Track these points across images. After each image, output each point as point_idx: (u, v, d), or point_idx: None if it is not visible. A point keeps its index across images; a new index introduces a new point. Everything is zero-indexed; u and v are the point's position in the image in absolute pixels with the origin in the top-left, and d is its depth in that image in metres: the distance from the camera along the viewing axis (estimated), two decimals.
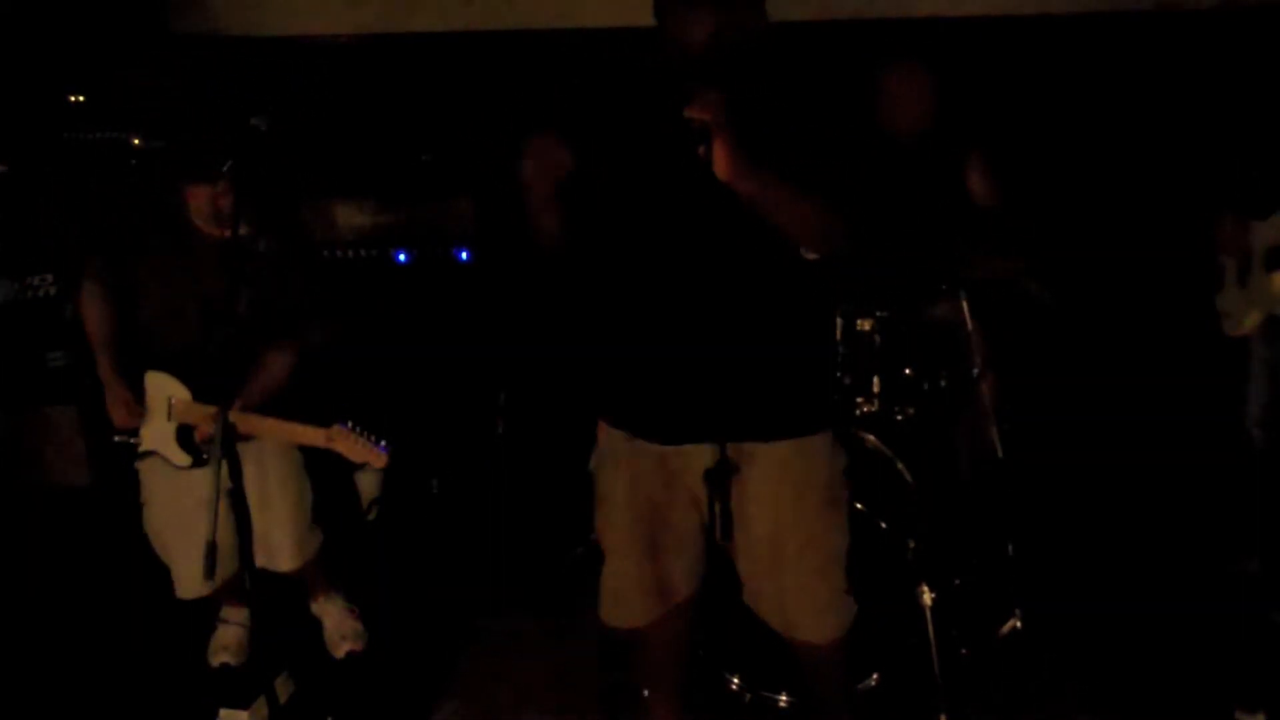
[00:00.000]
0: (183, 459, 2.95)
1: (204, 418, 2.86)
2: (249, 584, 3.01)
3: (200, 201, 2.88)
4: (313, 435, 2.82)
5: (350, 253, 4.16)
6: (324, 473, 3.22)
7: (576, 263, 2.30)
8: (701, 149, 1.98)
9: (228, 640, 3.23)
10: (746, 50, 2.07)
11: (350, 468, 3.95)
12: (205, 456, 2.86)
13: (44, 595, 3.62)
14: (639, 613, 2.45)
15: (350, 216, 4.15)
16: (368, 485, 4.03)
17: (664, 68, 2.10)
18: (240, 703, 2.84)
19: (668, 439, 2.28)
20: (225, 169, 2.82)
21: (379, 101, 4.41)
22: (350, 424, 2.81)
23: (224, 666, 3.19)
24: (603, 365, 2.37)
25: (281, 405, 2.91)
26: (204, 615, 3.29)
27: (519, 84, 4.24)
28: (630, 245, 2.23)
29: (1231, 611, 3.17)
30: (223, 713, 2.85)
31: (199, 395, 2.92)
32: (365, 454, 2.80)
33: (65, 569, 3.75)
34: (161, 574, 3.19)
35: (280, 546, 3.08)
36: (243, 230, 2.83)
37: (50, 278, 4.05)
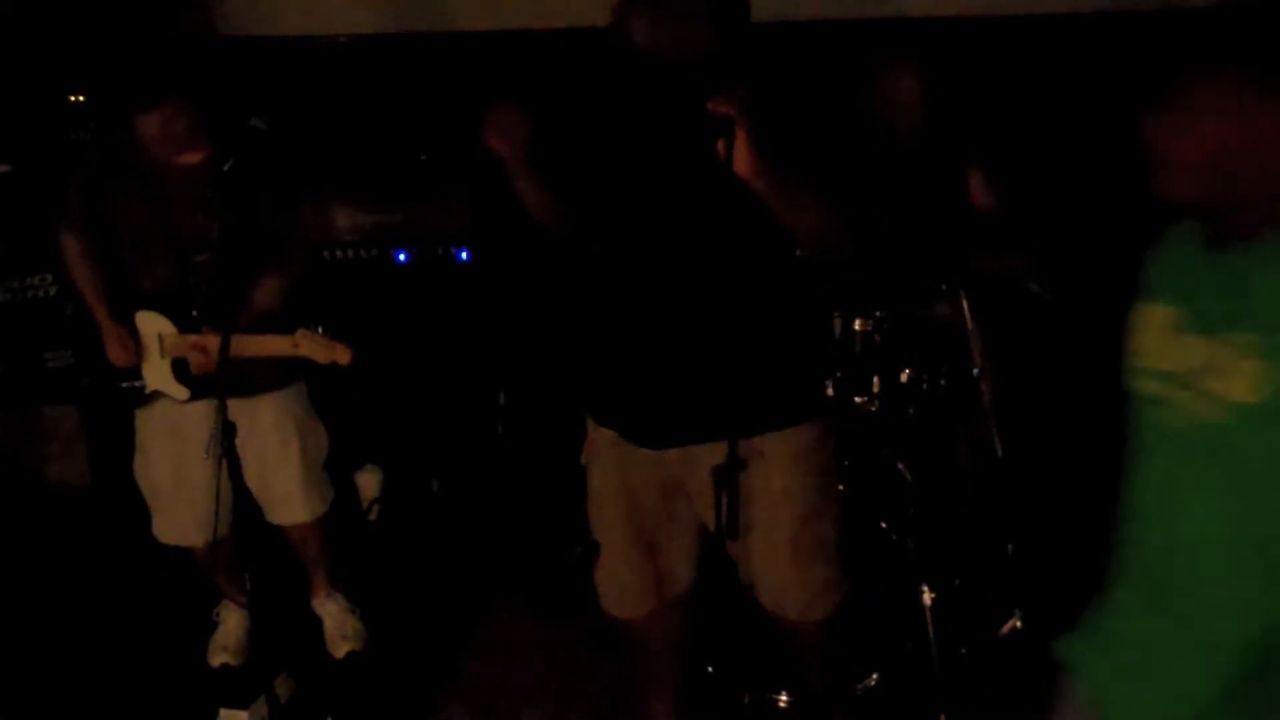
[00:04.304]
0: (182, 393, 2.96)
1: (192, 347, 2.88)
2: (249, 584, 3.03)
3: (152, 129, 2.80)
4: (279, 344, 2.82)
5: (350, 253, 4.16)
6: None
7: (576, 253, 2.31)
8: (722, 143, 1.97)
9: (228, 640, 3.23)
10: (736, 55, 2.07)
11: (351, 468, 3.95)
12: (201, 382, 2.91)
13: (44, 595, 3.62)
14: (634, 604, 2.47)
15: (350, 216, 4.15)
16: (368, 485, 4.04)
17: (670, 67, 2.10)
18: (240, 703, 2.84)
19: (656, 444, 2.29)
20: (185, 112, 2.79)
21: (378, 101, 4.41)
22: (316, 326, 2.82)
23: (224, 666, 3.19)
24: (591, 366, 2.37)
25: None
26: (203, 615, 3.30)
27: (518, 84, 4.23)
28: (622, 244, 2.23)
29: None
30: (223, 713, 2.85)
31: (184, 327, 2.92)
32: (330, 353, 2.80)
33: (65, 569, 3.76)
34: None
35: (284, 500, 3.12)
36: (204, 154, 2.84)
37: (50, 278, 4.05)
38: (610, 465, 2.39)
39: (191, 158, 2.84)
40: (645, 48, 2.06)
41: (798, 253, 2.22)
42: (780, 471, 2.30)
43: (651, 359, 2.24)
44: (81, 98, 4.07)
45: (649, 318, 2.23)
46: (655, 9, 2.04)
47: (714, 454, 2.17)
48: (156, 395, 2.99)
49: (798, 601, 2.41)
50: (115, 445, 3.22)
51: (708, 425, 2.20)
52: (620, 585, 2.47)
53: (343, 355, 2.79)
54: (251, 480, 3.08)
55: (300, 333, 2.79)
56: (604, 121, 2.22)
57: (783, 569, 2.37)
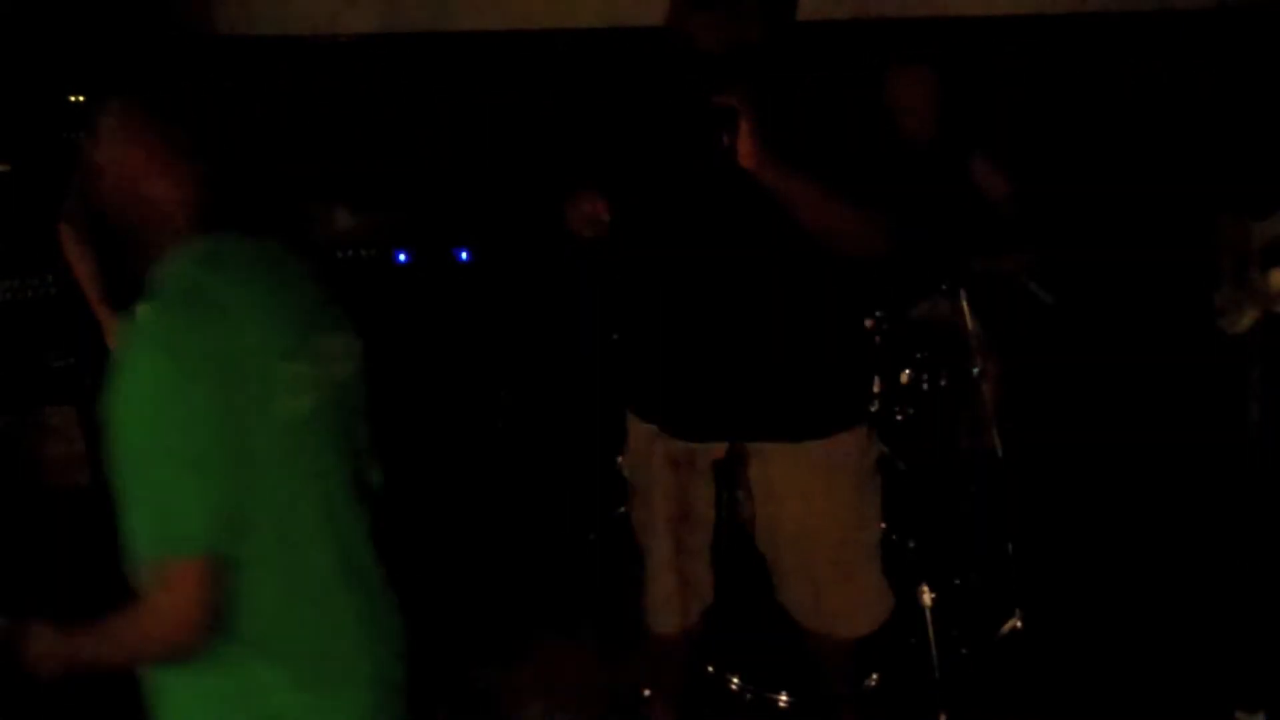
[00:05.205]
0: None
1: None
2: None
3: None
4: None
5: (350, 253, 4.16)
6: None
7: (611, 252, 2.30)
8: (725, 136, 1.97)
9: None
10: (768, 53, 2.06)
11: None
12: None
13: (44, 595, 3.62)
14: (674, 619, 2.45)
15: (350, 217, 4.15)
16: None
17: (684, 64, 2.10)
18: None
19: (691, 436, 2.28)
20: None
21: (378, 102, 4.41)
22: None
23: None
24: (631, 359, 2.36)
25: None
26: None
27: (518, 84, 4.24)
28: (652, 240, 2.23)
29: (1232, 611, 3.17)
30: None
31: None
32: None
33: (65, 569, 3.75)
34: None
35: None
36: None
37: (50, 278, 4.05)
38: (652, 463, 2.36)
39: None
40: (703, 45, 2.05)
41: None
42: (821, 481, 2.28)
43: (677, 352, 2.24)
44: (81, 98, 4.07)
45: (676, 311, 2.23)
46: (713, 6, 2.03)
47: (760, 453, 2.17)
48: None
49: (840, 617, 2.39)
50: None
51: (743, 420, 2.20)
52: (663, 599, 2.43)
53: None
54: None
55: None
56: (637, 123, 2.22)
57: (823, 582, 2.35)
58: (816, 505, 2.29)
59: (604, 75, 2.32)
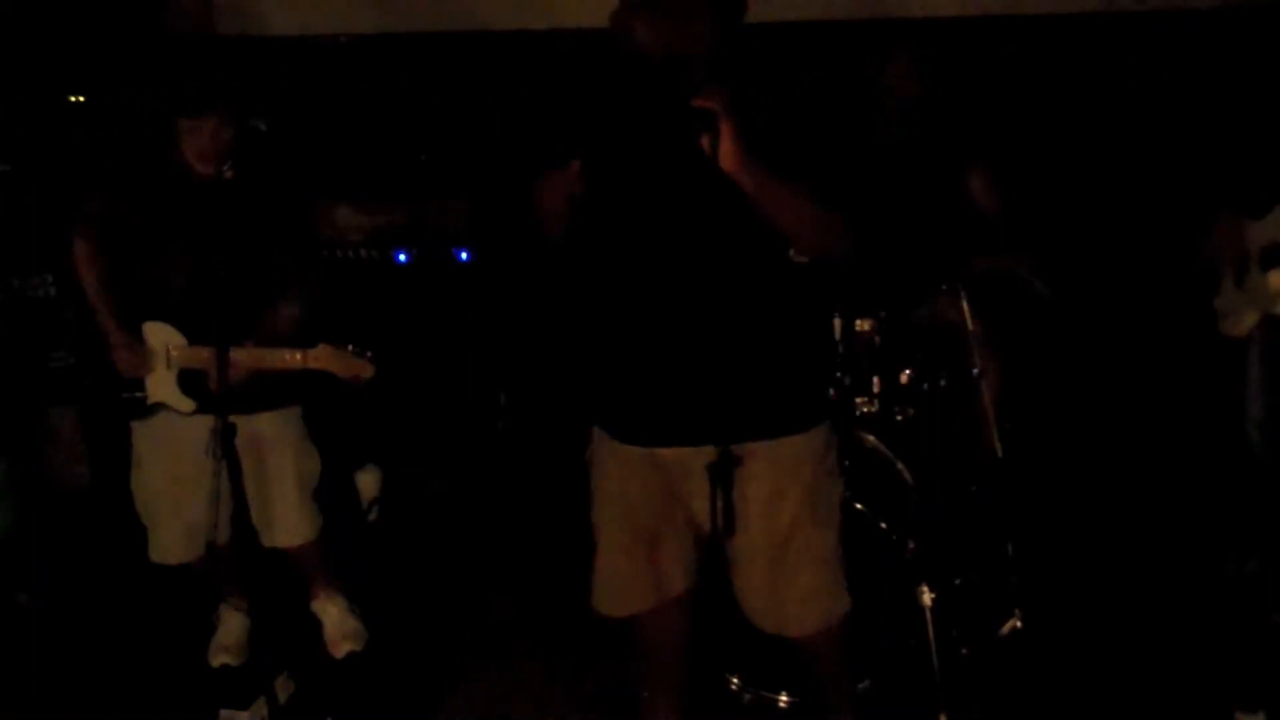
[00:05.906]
0: (187, 405, 2.96)
1: (202, 360, 2.85)
2: (249, 587, 3.04)
3: (201, 137, 2.81)
4: (298, 359, 2.82)
5: (350, 253, 4.16)
6: (324, 470, 3.24)
7: (577, 257, 2.31)
8: (706, 139, 1.97)
9: (228, 640, 3.23)
10: (717, 60, 2.06)
11: (350, 467, 3.95)
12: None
13: (44, 595, 3.62)
14: (632, 602, 2.45)
15: (350, 216, 4.16)
16: (368, 485, 4.04)
17: (661, 64, 2.10)
18: (240, 703, 2.84)
19: (641, 441, 2.29)
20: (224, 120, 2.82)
21: (378, 102, 4.42)
22: (334, 342, 2.82)
23: (224, 667, 3.19)
24: (588, 365, 2.38)
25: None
26: (203, 615, 3.30)
27: (518, 84, 4.24)
28: (619, 246, 2.23)
29: (1231, 611, 3.17)
30: (223, 713, 2.85)
31: (195, 339, 2.91)
32: (352, 367, 2.81)
33: (65, 569, 3.76)
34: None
35: (280, 521, 3.12)
36: (228, 171, 2.84)
37: (50, 278, 4.05)
38: (609, 464, 2.39)
39: (219, 169, 2.85)
40: (646, 48, 2.05)
41: (790, 254, 2.20)
42: (774, 479, 2.27)
43: (643, 357, 2.24)
44: (81, 98, 4.07)
45: (643, 316, 2.23)
46: (655, 9, 2.03)
47: (708, 457, 2.17)
48: (157, 407, 2.99)
49: (788, 614, 2.37)
50: (116, 446, 3.23)
51: (696, 428, 2.20)
52: (617, 583, 2.46)
53: (365, 370, 2.81)
54: (250, 495, 3.09)
55: (322, 347, 2.79)
56: (601, 123, 2.22)
57: (764, 580, 2.34)
58: (767, 507, 2.28)
59: (605, 75, 2.32)
